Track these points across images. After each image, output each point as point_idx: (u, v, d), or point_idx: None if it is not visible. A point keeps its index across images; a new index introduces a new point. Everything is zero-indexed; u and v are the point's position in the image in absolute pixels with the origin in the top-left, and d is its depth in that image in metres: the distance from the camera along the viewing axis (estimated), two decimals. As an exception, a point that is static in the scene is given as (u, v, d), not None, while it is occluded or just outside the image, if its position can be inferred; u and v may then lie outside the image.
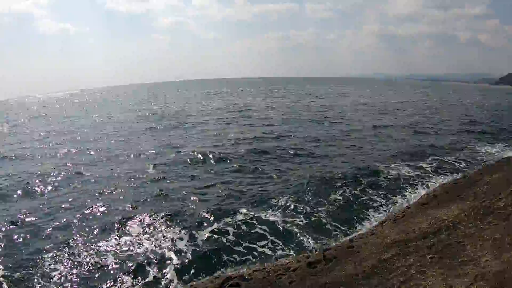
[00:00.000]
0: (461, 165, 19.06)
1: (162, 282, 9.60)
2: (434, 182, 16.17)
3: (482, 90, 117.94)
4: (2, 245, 11.62)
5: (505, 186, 11.54)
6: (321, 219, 12.82)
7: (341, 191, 15.11)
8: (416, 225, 9.98)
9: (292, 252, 10.79)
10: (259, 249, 11.11)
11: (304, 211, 13.43)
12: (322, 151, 22.28)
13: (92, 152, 24.16)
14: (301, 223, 12.55)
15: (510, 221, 8.61)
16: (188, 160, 20.76)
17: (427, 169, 18.14)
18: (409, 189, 15.43)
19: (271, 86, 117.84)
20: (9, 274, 9.99)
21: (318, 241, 11.31)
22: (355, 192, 15.01)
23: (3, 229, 12.63)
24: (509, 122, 36.10)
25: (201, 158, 21.07)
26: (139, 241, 11.65)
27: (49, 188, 16.77)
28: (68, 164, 20.90)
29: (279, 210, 13.51)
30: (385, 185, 15.93)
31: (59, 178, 18.09)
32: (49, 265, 10.47)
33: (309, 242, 11.34)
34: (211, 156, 21.22)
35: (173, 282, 9.60)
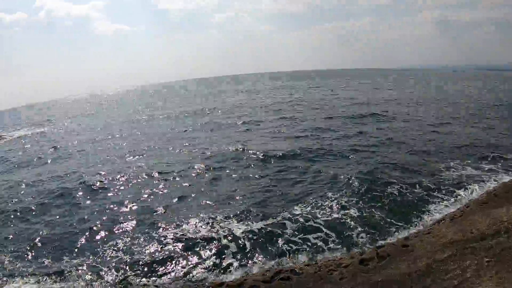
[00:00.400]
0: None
1: (219, 267, 10.16)
2: (495, 180, 15.47)
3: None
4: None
5: None
6: (375, 215, 12.72)
7: (397, 187, 14.82)
8: (474, 225, 9.66)
9: (344, 248, 10.81)
10: (313, 242, 11.24)
11: (359, 207, 13.36)
12: (379, 148, 21.71)
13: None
14: (355, 219, 12.51)
15: None
16: (250, 156, 20.95)
17: (489, 167, 17.30)
18: (469, 187, 14.81)
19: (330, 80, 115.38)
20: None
21: (372, 238, 11.24)
22: (411, 189, 14.66)
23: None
24: None
25: (263, 155, 20.97)
26: (197, 228, 12.26)
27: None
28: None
29: (334, 206, 13.51)
30: (444, 182, 15.32)
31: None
32: (116, 245, 11.78)
33: (362, 238, 11.31)
34: (274, 152, 21.23)
35: (230, 268, 10.03)
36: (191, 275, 9.93)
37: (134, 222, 13.27)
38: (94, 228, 13.07)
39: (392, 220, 12.30)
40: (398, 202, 13.65)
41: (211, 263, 10.41)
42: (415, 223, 12.14)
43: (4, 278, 10.47)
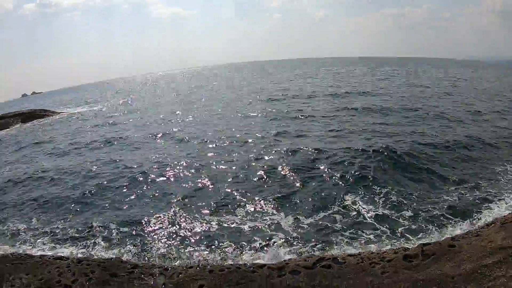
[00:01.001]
0: None
1: (264, 254, 10.57)
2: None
3: None
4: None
5: None
6: (427, 211, 12.72)
7: (455, 186, 14.67)
8: (527, 233, 9.44)
9: (391, 242, 10.92)
10: (359, 233, 11.40)
11: (411, 203, 13.38)
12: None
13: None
14: (406, 214, 12.58)
15: None
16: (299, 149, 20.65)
17: None
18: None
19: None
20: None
21: (419, 234, 11.27)
22: (466, 188, 14.46)
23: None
24: None
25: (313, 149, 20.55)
26: (246, 219, 12.70)
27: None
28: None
29: (383, 200, 13.56)
30: (500, 183, 14.97)
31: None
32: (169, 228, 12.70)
33: (410, 234, 11.35)
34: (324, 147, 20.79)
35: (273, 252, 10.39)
36: (236, 257, 10.42)
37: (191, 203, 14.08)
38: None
39: (442, 219, 12.25)
40: (452, 201, 13.49)
41: (257, 247, 10.84)
42: (464, 224, 12.04)
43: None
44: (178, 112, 38.38)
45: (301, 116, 29.67)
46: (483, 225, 11.59)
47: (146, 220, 13.05)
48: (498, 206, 13.10)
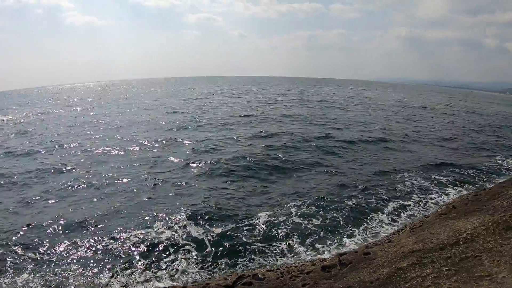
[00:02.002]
0: (481, 177, 18.89)
1: (177, 273, 9.97)
2: (453, 193, 16.10)
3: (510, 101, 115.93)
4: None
5: (527, 201, 11.39)
6: (336, 223, 13.04)
7: (357, 199, 15.18)
8: (434, 236, 9.90)
9: (306, 254, 10.96)
10: (275, 247, 11.30)
11: (320, 215, 13.58)
12: (336, 160, 21.75)
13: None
14: (317, 226, 12.71)
15: (530, 238, 8.50)
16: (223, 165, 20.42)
17: (444, 180, 18.04)
18: (427, 199, 15.40)
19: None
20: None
21: (333, 245, 11.46)
22: (370, 199, 15.12)
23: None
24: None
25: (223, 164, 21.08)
26: (158, 231, 12.09)
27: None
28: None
29: (296, 212, 13.62)
30: (401, 194, 15.95)
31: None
32: (74, 246, 11.28)
33: (323, 245, 11.50)
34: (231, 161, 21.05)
35: (187, 273, 9.94)
36: (152, 279, 9.78)
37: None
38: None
39: (351, 229, 12.64)
40: (356, 212, 13.99)
41: (172, 267, 10.27)
42: (373, 231, 12.52)
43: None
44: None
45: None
46: (393, 232, 12.10)
47: None
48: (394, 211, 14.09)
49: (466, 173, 19.38)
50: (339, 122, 35.39)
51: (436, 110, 55.92)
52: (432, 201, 15.25)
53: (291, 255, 10.93)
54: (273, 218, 13.13)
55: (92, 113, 45.13)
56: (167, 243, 11.40)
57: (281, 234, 12.06)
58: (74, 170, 18.94)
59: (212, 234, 11.96)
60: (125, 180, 17.16)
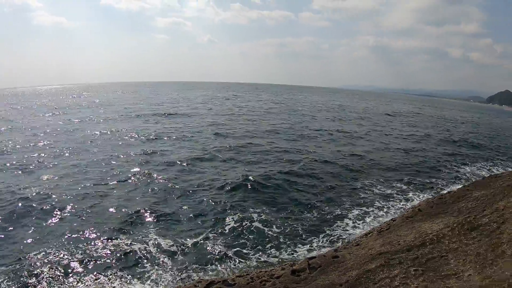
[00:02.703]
0: (443, 182, 19.57)
1: (148, 281, 9.78)
2: (417, 197, 16.53)
3: (472, 108, 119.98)
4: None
5: (489, 203, 11.67)
6: (299, 229, 13.28)
7: (321, 208, 15.36)
8: (401, 238, 10.05)
9: (275, 259, 11.02)
10: (245, 254, 11.31)
11: (285, 222, 13.73)
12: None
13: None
14: (282, 233, 12.92)
15: (492, 238, 8.69)
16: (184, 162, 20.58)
17: (407, 185, 18.65)
18: (392, 203, 15.74)
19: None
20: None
21: (301, 250, 11.55)
22: (334, 208, 15.39)
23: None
24: (499, 142, 37.06)
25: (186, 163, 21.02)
26: (127, 241, 11.84)
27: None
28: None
29: (261, 220, 13.71)
30: (365, 200, 16.41)
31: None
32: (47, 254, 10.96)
33: (292, 250, 11.59)
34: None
35: (157, 282, 9.76)
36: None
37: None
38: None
39: (317, 234, 12.85)
40: (321, 218, 14.30)
41: (142, 276, 10.08)
42: (341, 236, 12.74)
43: None
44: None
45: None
46: (361, 235, 12.23)
47: None
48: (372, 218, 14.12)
49: (427, 180, 19.94)
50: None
51: (403, 116, 57.33)
52: (395, 207, 15.67)
53: (260, 260, 10.94)
54: (239, 226, 13.19)
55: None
56: (135, 252, 11.18)
57: (249, 242, 12.06)
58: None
59: (180, 242, 11.84)
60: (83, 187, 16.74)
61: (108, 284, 9.68)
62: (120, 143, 27.16)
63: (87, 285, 9.64)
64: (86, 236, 12.20)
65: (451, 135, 39.82)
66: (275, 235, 12.71)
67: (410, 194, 17.23)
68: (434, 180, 20.09)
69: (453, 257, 8.08)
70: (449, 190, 17.59)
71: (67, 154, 23.02)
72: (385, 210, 15.11)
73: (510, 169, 24.21)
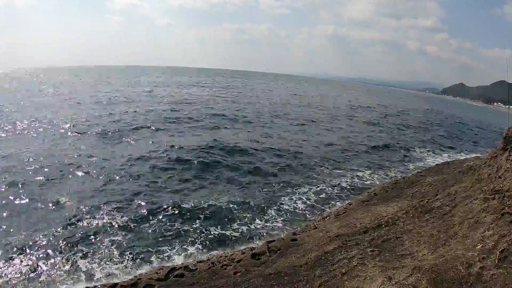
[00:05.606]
0: (399, 169, 20.18)
1: (106, 271, 9.64)
2: (373, 182, 17.01)
3: (427, 99, 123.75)
4: None
5: (442, 188, 12.12)
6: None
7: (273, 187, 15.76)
8: (357, 220, 10.33)
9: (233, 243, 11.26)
10: (203, 238, 11.39)
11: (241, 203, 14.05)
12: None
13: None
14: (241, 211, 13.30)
15: (445, 220, 9.08)
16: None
17: (364, 171, 19.12)
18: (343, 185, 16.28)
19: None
20: None
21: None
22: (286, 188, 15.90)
23: None
24: (450, 130, 38.54)
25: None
26: (83, 230, 11.58)
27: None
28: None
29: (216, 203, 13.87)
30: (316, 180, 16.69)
31: None
32: None
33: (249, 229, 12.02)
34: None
35: (118, 272, 9.65)
36: (81, 277, 9.41)
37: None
38: None
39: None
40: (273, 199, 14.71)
41: (101, 264, 9.91)
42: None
43: None
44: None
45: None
46: (319, 219, 12.48)
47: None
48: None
49: (382, 163, 20.56)
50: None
51: (361, 107, 58.52)
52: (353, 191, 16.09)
53: (220, 244, 11.06)
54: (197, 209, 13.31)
55: None
56: (93, 241, 10.94)
57: (205, 223, 12.28)
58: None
59: (139, 228, 11.74)
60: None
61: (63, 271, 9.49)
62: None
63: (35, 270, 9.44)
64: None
65: (406, 122, 41.00)
66: (236, 213, 13.18)
67: (366, 178, 17.71)
68: (388, 165, 20.67)
69: (407, 238, 8.40)
70: (404, 175, 18.15)
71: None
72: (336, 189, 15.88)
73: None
